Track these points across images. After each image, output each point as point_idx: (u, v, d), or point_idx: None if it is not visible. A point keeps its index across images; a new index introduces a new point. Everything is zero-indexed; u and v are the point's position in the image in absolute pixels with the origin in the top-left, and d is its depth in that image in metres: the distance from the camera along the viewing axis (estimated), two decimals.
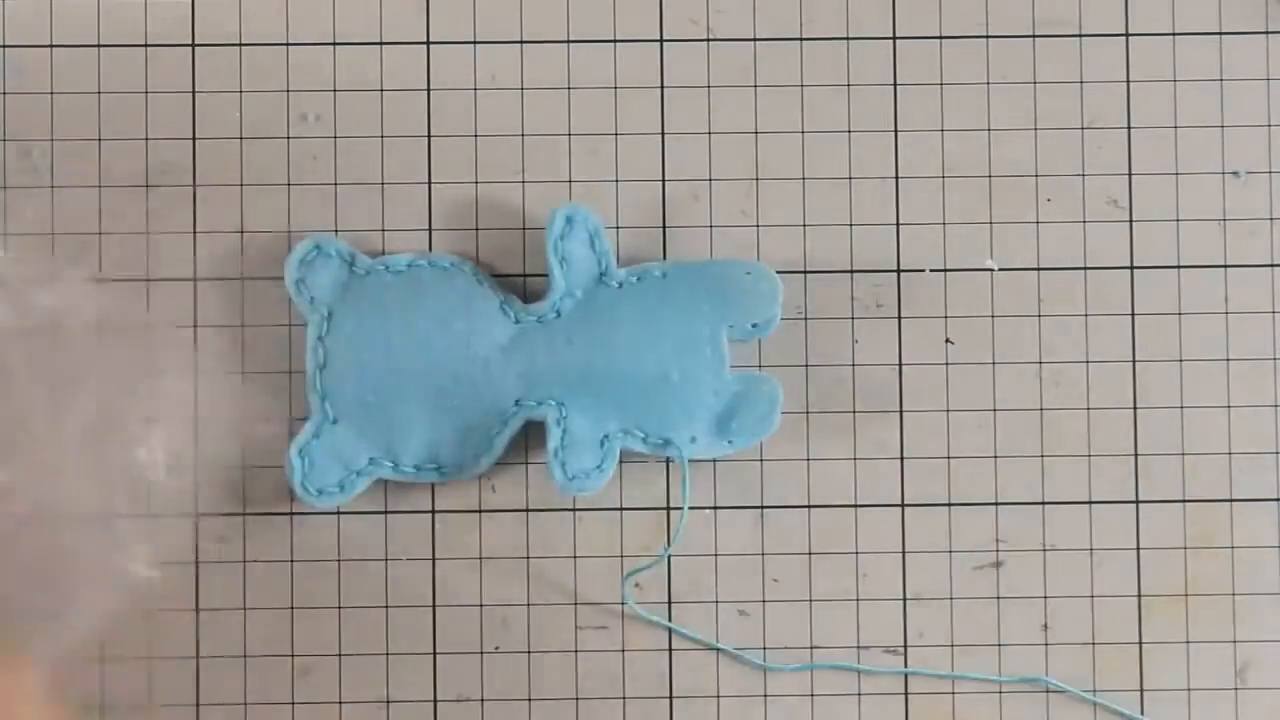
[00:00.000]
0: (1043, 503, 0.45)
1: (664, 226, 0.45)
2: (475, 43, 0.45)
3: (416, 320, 0.44)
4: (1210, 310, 0.45)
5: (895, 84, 0.45)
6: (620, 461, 0.43)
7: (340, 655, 0.44)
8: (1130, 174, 0.45)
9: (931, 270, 0.45)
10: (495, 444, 0.44)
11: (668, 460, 0.44)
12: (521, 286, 0.45)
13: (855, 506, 0.45)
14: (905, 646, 0.45)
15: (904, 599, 0.45)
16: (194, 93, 0.45)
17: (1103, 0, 0.46)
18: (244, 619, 0.45)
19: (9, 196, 0.45)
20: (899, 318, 0.45)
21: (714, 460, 0.45)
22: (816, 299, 0.45)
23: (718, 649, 0.45)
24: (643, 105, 0.45)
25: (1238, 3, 0.46)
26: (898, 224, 0.45)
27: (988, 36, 0.46)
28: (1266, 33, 0.46)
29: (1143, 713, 0.44)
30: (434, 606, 0.44)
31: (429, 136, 0.45)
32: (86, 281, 0.40)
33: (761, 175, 0.45)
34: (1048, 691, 0.45)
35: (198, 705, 0.44)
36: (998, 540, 0.45)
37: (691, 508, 0.44)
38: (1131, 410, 0.45)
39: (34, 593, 0.37)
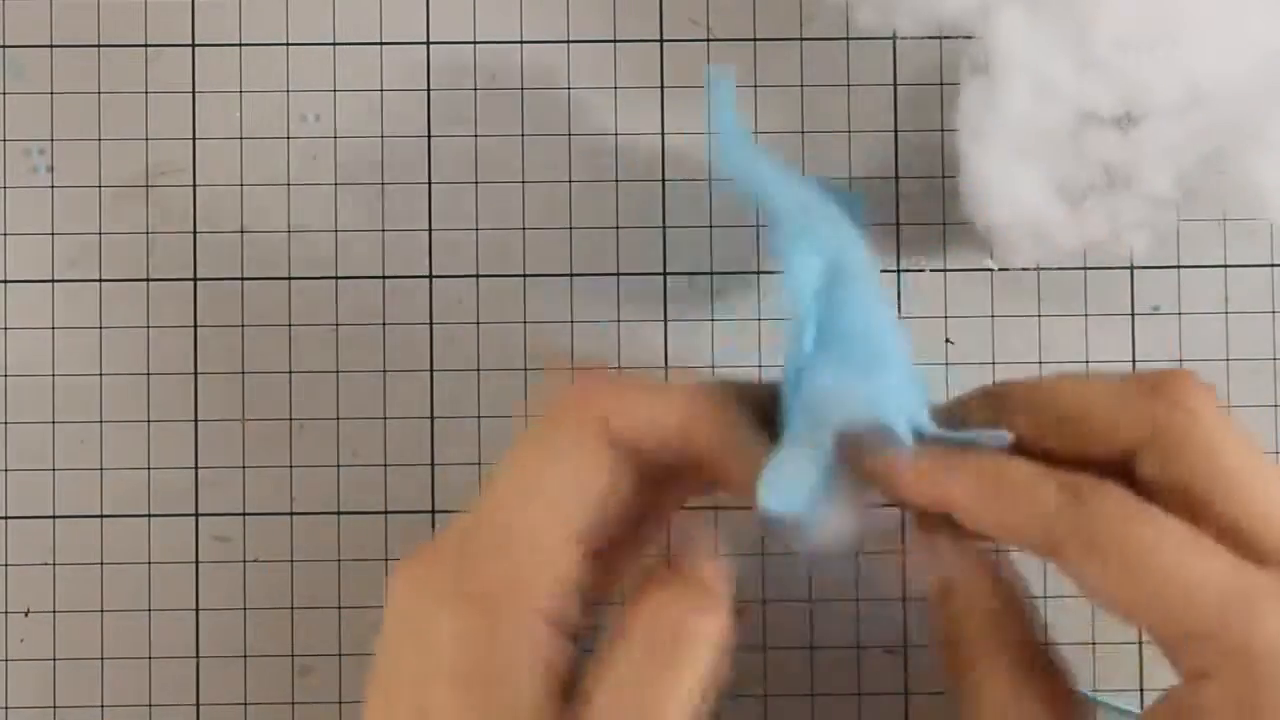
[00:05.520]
0: None
1: (664, 227, 0.45)
2: (475, 43, 0.45)
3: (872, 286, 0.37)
4: (1210, 310, 0.45)
5: (895, 84, 0.45)
6: None
7: (340, 655, 0.45)
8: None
9: (931, 270, 0.45)
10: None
11: None
12: (522, 287, 0.45)
13: None
14: (905, 646, 0.45)
15: (904, 599, 0.45)
16: (194, 93, 0.45)
17: None
18: (244, 619, 0.45)
19: (9, 196, 0.45)
20: (899, 318, 0.45)
21: None
22: None
23: None
24: (643, 105, 0.45)
25: None
26: (898, 224, 0.45)
27: None
28: None
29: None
30: None
31: (429, 136, 0.45)
32: None
33: None
34: None
35: (198, 705, 0.44)
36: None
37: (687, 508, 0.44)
38: None
39: None
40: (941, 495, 0.35)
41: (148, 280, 0.45)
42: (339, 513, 0.45)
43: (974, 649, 0.36)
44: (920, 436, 0.35)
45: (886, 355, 0.36)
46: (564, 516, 0.35)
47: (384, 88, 0.45)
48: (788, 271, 0.36)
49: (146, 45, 0.45)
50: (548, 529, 0.35)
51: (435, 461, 0.45)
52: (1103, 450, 0.35)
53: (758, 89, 0.45)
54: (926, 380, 0.37)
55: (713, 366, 0.45)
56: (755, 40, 0.46)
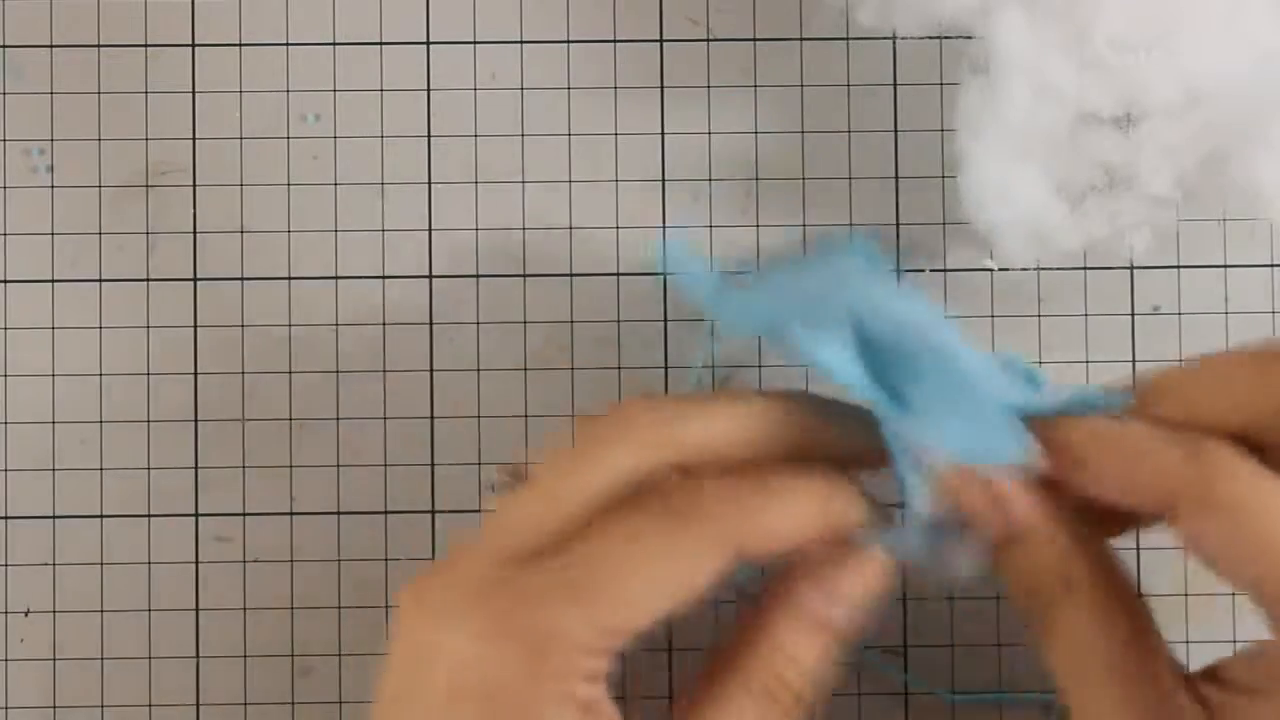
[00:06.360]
0: None
1: (663, 227, 0.45)
2: (475, 43, 0.45)
3: None
4: (1210, 310, 0.45)
5: (895, 84, 0.45)
6: None
7: (340, 655, 0.45)
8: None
9: (931, 270, 0.45)
10: None
11: None
12: (522, 287, 0.45)
13: None
14: (905, 646, 0.45)
15: (904, 599, 0.45)
16: (194, 93, 0.45)
17: None
18: (244, 619, 0.45)
19: (9, 196, 0.45)
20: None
21: None
22: None
23: None
24: (643, 105, 0.45)
25: None
26: (897, 224, 0.45)
27: None
28: None
29: None
30: None
31: (429, 136, 0.45)
32: None
33: (761, 175, 0.45)
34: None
35: (198, 705, 0.44)
36: None
37: None
38: None
39: None
40: (1062, 458, 0.36)
41: (148, 280, 0.45)
42: (339, 513, 0.45)
43: (1050, 590, 0.36)
44: (1033, 414, 0.36)
45: (956, 375, 0.37)
46: (653, 605, 0.34)
47: (384, 88, 0.45)
48: (831, 371, 0.37)
49: (146, 45, 0.45)
50: (639, 603, 0.34)
51: (435, 462, 0.45)
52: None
53: (758, 89, 0.45)
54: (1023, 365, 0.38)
55: (712, 366, 0.45)
56: (755, 40, 0.46)
